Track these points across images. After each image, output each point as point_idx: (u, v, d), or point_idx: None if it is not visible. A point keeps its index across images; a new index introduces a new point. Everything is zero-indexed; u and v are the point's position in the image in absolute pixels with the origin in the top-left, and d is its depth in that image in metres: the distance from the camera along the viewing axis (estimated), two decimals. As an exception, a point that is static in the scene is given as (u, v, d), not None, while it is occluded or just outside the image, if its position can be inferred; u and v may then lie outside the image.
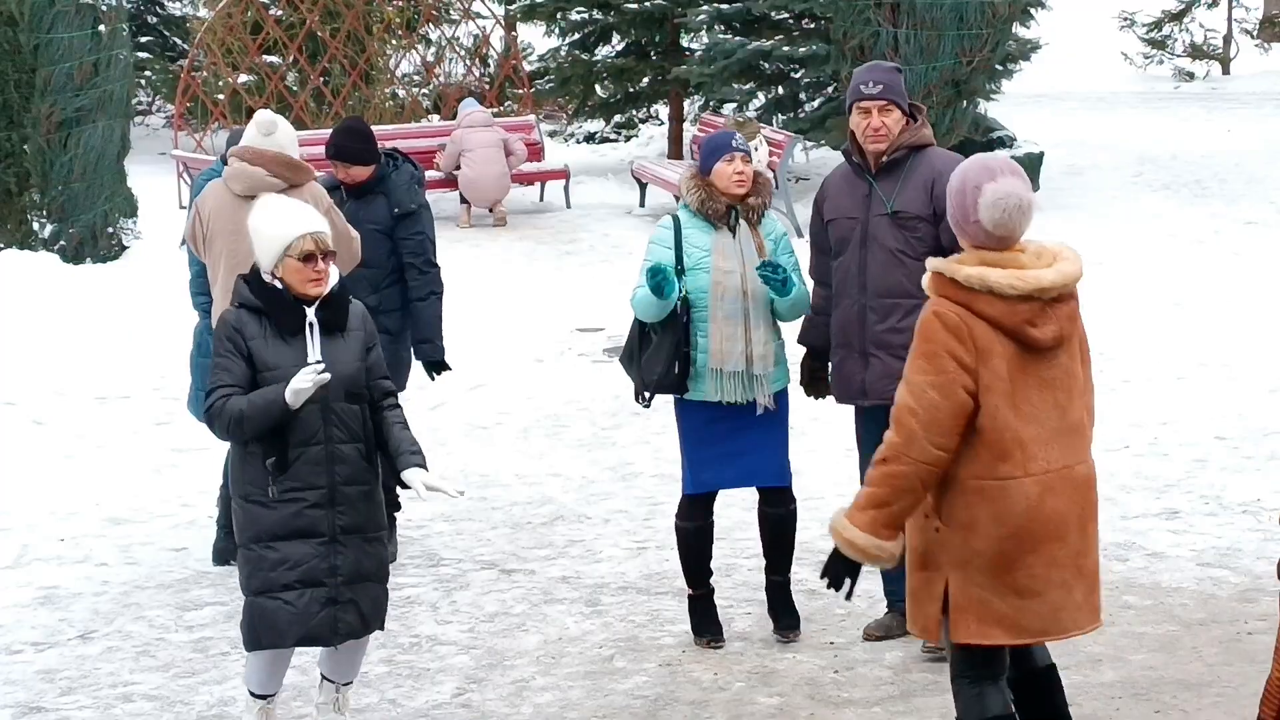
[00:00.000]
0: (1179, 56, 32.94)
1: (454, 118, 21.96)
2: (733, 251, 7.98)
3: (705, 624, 8.31)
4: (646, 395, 8.19)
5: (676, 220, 8.13)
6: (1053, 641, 6.23)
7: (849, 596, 6.22)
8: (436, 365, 9.65)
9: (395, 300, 9.47)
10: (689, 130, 23.41)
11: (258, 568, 6.80)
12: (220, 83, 24.11)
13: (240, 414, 6.68)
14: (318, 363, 6.72)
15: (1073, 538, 6.01)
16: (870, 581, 8.92)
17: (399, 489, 7.46)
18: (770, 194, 8.16)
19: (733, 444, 8.07)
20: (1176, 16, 32.93)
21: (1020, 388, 5.93)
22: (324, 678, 7.31)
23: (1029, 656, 6.34)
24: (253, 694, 7.17)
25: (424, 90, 25.74)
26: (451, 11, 26.43)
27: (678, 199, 8.26)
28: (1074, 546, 6.02)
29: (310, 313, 6.83)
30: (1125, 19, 33.12)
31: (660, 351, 8.03)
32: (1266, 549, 9.44)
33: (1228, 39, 33.17)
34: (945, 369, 5.89)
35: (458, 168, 20.47)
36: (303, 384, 6.64)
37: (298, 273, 6.76)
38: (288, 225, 6.79)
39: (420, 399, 12.51)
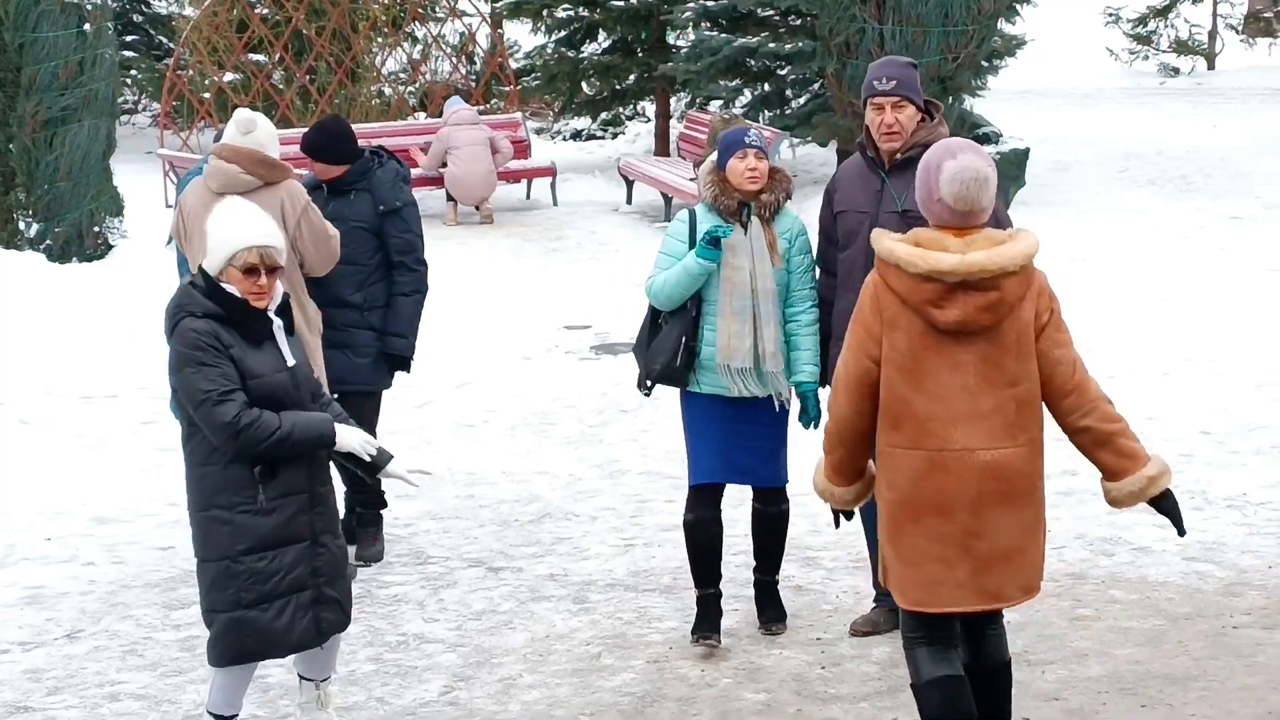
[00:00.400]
0: (1164, 52, 33.00)
1: (440, 115, 21.96)
2: (744, 248, 7.98)
3: (702, 622, 8.26)
4: (649, 383, 8.21)
5: (692, 214, 8.15)
6: (933, 613, 6.29)
7: (836, 524, 6.76)
8: (403, 363, 9.60)
9: (380, 297, 9.45)
10: (675, 127, 23.43)
11: (251, 580, 6.67)
12: (206, 81, 24.12)
13: (285, 436, 6.56)
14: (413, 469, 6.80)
15: (960, 517, 6.13)
16: (857, 577, 8.97)
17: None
18: (789, 189, 8.15)
19: (736, 439, 8.07)
20: (1161, 12, 32.98)
21: (927, 366, 6.11)
22: (302, 678, 7.28)
23: (983, 651, 6.44)
24: (216, 716, 6.96)
25: (410, 88, 25.74)
26: (437, 9, 26.44)
27: (665, 196, 8.25)
28: (961, 525, 6.14)
29: (274, 317, 6.78)
30: (1110, 15, 33.17)
31: (667, 342, 8.05)
32: (1251, 543, 9.47)
33: (1213, 34, 33.22)
34: (857, 334, 6.23)
35: (444, 165, 20.48)
36: (370, 448, 6.78)
37: (240, 283, 6.66)
38: (235, 234, 6.68)
39: (407, 397, 12.53)
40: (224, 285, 6.68)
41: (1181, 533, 6.57)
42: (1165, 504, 6.40)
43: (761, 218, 8.04)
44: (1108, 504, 6.45)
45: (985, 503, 6.13)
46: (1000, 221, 7.65)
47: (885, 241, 6.18)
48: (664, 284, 8.00)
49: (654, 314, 8.17)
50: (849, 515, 6.68)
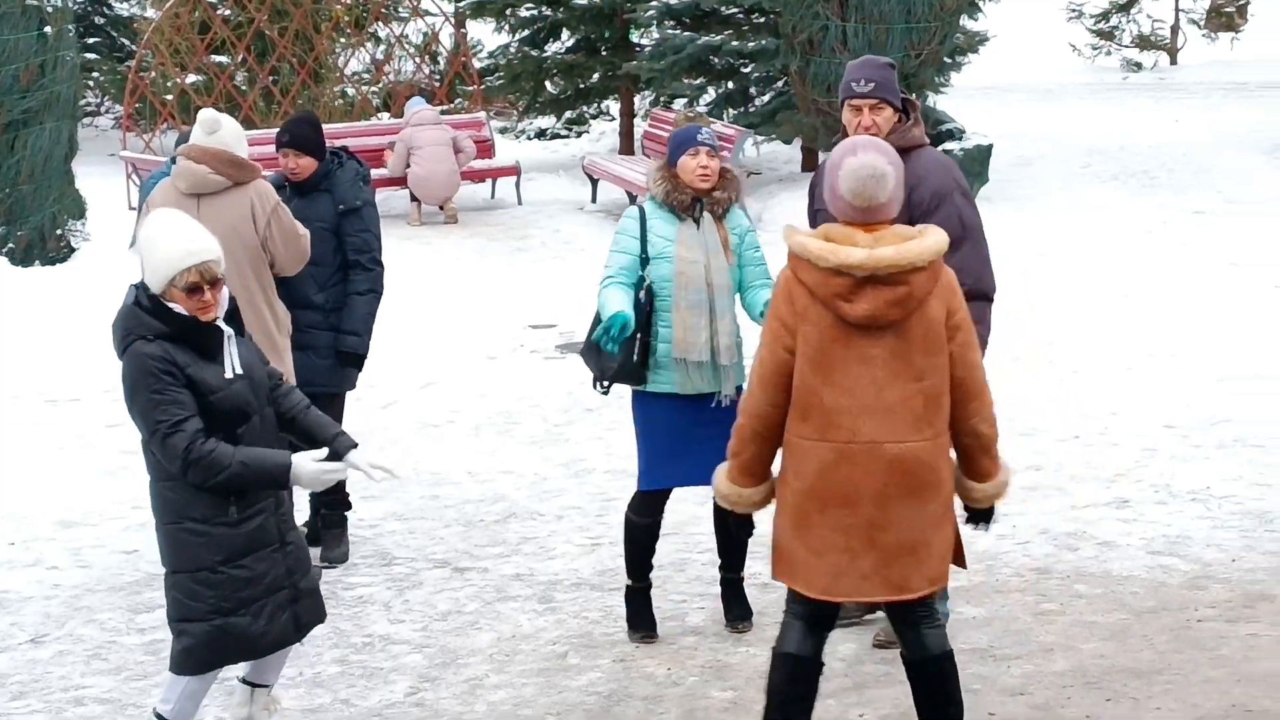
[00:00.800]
0: (1127, 47, 33.12)
1: (404, 115, 21.95)
2: (696, 242, 8.00)
3: (641, 619, 8.33)
4: (605, 384, 8.21)
5: (642, 210, 8.16)
6: (836, 602, 6.46)
7: (735, 534, 6.99)
8: (356, 360, 9.55)
9: (342, 297, 9.44)
10: (640, 126, 23.43)
11: (231, 589, 6.60)
12: (169, 83, 24.04)
13: (236, 474, 6.45)
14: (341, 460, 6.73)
15: (866, 509, 6.23)
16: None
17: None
18: (739, 190, 8.17)
19: (690, 440, 8.06)
20: (1124, 7, 33.11)
21: (837, 360, 6.20)
22: (251, 684, 7.18)
23: (920, 644, 6.53)
24: None
25: (373, 88, 25.71)
26: (400, 9, 26.38)
27: (629, 194, 8.27)
28: (866, 517, 6.23)
29: (224, 327, 6.69)
30: (1073, 10, 33.29)
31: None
32: (1215, 536, 9.51)
33: (1175, 29, 33.35)
34: (772, 328, 6.31)
35: (408, 165, 20.46)
36: (329, 477, 6.67)
37: (184, 303, 6.53)
38: (172, 254, 6.52)
39: (372, 397, 12.52)
40: (169, 305, 6.56)
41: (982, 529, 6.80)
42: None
43: (714, 214, 8.06)
44: (965, 501, 6.58)
45: (891, 495, 6.22)
46: (965, 220, 7.66)
47: (797, 236, 6.28)
48: (605, 298, 8.02)
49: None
50: (748, 521, 6.73)
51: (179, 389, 6.48)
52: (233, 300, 6.78)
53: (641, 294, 8.01)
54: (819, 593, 6.39)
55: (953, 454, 6.43)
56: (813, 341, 6.22)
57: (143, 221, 9.00)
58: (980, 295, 7.63)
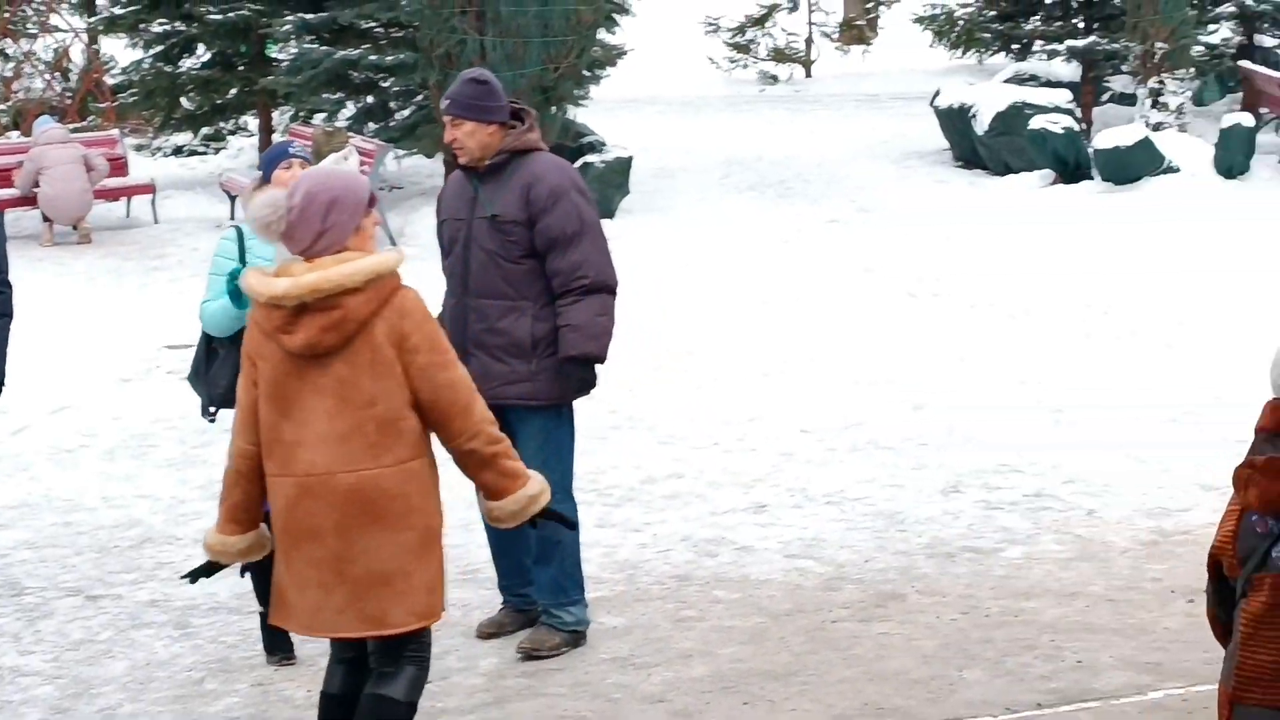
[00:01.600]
0: (763, 60, 33.73)
1: (32, 134, 21.39)
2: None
3: (277, 642, 8.18)
4: (212, 411, 8.14)
5: (239, 231, 8.07)
6: (317, 638, 6.47)
7: (194, 580, 6.50)
8: None
9: (-31, 321, 9.13)
10: (278, 141, 23.15)
11: None
12: None
13: None
14: None
15: (329, 542, 6.07)
16: (466, 590, 8.91)
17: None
18: None
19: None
20: (759, 21, 33.73)
21: (293, 392, 6.07)
22: None
23: (386, 681, 6.25)
24: None
25: (1, 106, 24.99)
26: (29, 25, 25.70)
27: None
28: (332, 550, 6.07)
29: None
30: (710, 24, 33.80)
31: (227, 365, 7.93)
32: (849, 538, 9.70)
33: (809, 42, 34.07)
34: (244, 365, 6.21)
35: (37, 185, 19.93)
36: None
37: None
38: None
39: (1, 424, 12.15)
40: None
41: (572, 528, 6.89)
42: (546, 514, 6.41)
43: None
44: (489, 521, 6.43)
45: (352, 526, 6.05)
46: (582, 216, 7.87)
47: (249, 276, 6.15)
48: (213, 314, 7.91)
49: (208, 339, 8.09)
50: (210, 572, 6.44)
51: None
52: None
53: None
54: (303, 630, 6.27)
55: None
56: (268, 377, 6.09)
57: None
58: (603, 288, 7.93)
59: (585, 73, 20.34)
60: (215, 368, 8.02)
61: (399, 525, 6.07)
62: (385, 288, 6.03)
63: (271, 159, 8.06)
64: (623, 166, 20.25)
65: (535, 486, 6.31)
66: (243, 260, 7.93)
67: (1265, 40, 26.11)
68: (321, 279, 5.96)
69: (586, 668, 7.94)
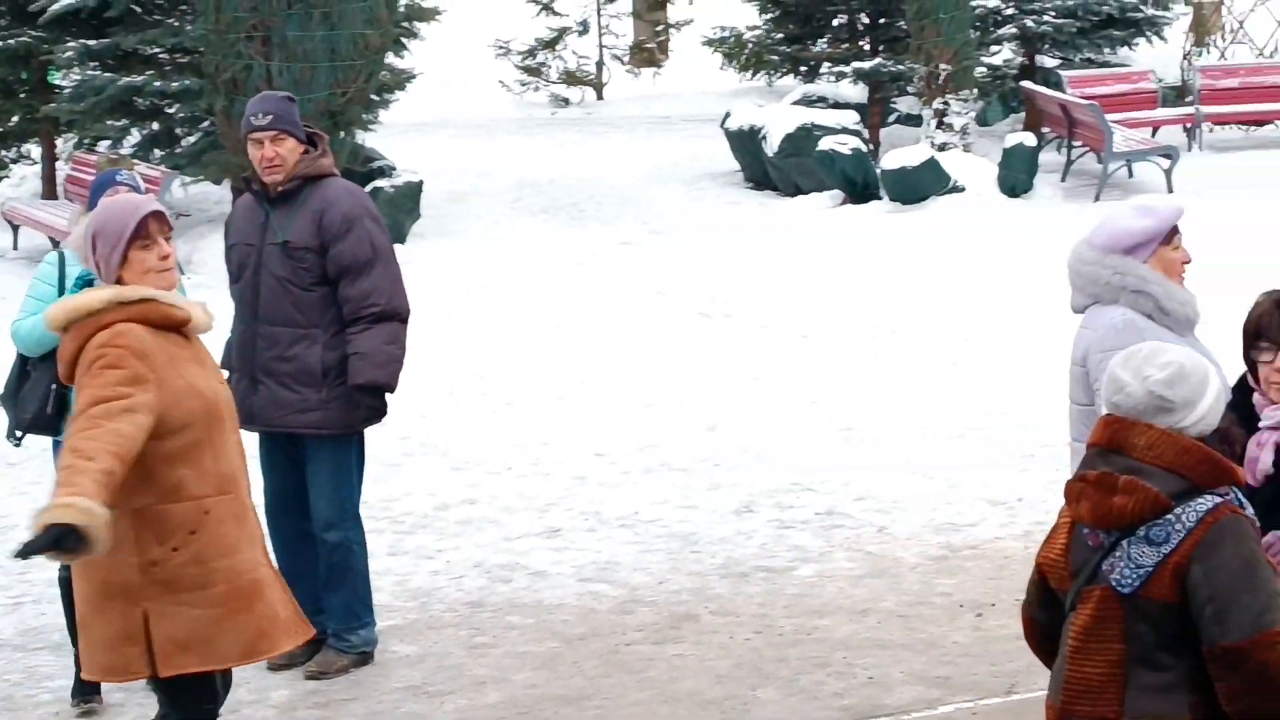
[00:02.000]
0: (554, 83, 33.73)
1: None
2: None
3: (85, 687, 7.99)
4: (18, 435, 7.99)
5: (61, 256, 8.01)
6: None
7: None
8: None
9: None
10: (62, 169, 22.74)
11: None
12: None
13: None
14: None
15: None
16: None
17: None
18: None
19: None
20: (550, 44, 33.71)
21: None
22: None
23: None
24: None
25: None
26: None
27: (53, 240, 8.07)
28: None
29: None
30: (501, 47, 33.73)
31: (37, 389, 7.81)
32: (643, 560, 9.72)
33: (600, 65, 34.13)
34: None
35: None
36: None
37: None
38: None
39: None
40: None
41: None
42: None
43: None
44: None
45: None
46: (375, 243, 7.82)
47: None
48: (31, 330, 7.76)
49: (22, 360, 7.94)
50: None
51: None
52: None
53: None
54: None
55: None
56: None
57: None
58: (394, 316, 7.93)
59: (374, 97, 20.22)
60: (26, 390, 7.88)
61: (79, 574, 6.01)
62: (93, 326, 5.86)
63: (99, 186, 7.98)
64: (413, 191, 20.13)
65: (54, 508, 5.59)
66: (61, 284, 7.83)
67: (1046, 61, 26.55)
68: (58, 310, 5.96)
69: (380, 696, 7.88)
